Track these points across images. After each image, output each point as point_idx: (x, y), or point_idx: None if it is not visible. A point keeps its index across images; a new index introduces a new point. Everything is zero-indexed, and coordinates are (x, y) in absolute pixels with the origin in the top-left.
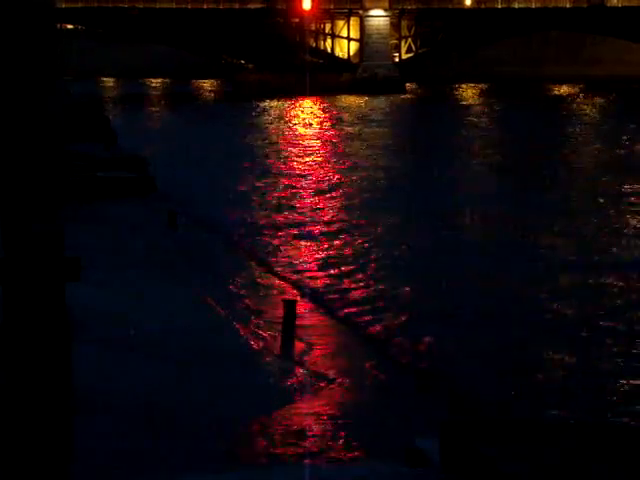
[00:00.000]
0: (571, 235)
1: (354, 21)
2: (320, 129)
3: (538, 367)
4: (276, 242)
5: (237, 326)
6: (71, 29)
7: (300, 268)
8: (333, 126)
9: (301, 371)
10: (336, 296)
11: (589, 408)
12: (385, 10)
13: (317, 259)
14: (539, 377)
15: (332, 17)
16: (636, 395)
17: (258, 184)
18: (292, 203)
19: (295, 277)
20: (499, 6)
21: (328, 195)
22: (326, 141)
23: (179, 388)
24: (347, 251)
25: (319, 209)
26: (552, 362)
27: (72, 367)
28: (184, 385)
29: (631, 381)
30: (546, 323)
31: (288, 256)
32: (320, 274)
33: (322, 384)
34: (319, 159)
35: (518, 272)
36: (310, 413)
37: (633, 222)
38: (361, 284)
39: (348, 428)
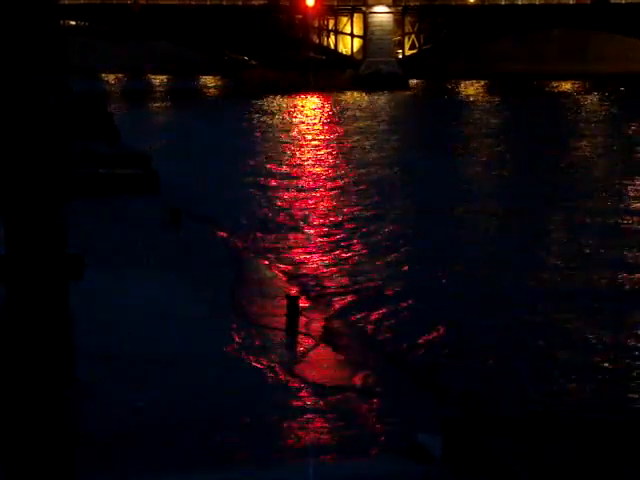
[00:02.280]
0: (573, 230)
1: (357, 17)
2: (323, 125)
3: (536, 365)
4: (278, 238)
5: (239, 322)
6: (74, 25)
7: (303, 265)
8: (336, 122)
9: (303, 366)
10: (338, 292)
11: (592, 406)
12: (388, 6)
13: (321, 256)
14: (536, 375)
15: (335, 13)
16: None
17: (261, 181)
18: (295, 199)
19: (297, 274)
20: (502, 3)
21: (332, 191)
22: (329, 137)
23: (179, 386)
24: (350, 248)
25: (323, 205)
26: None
27: (73, 363)
28: (183, 381)
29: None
30: (547, 319)
31: (290, 253)
32: (323, 271)
33: (323, 378)
34: (322, 155)
35: (522, 269)
36: (311, 409)
37: (634, 217)
38: (363, 280)
39: (350, 424)
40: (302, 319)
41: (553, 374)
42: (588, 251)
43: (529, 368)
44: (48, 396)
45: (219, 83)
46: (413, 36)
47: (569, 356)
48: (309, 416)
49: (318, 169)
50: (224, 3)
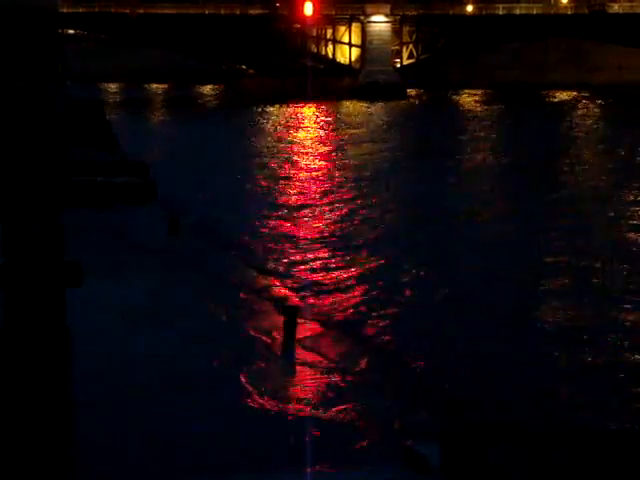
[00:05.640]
0: (572, 234)
1: (356, 27)
2: (321, 134)
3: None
4: (276, 246)
5: (238, 331)
6: (73, 34)
7: (301, 273)
8: (334, 131)
9: (300, 375)
10: (335, 300)
11: (589, 415)
12: (386, 16)
13: (319, 263)
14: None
15: (334, 23)
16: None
17: (259, 189)
18: (292, 207)
19: (296, 282)
20: (500, 12)
21: (329, 199)
22: (327, 146)
23: (180, 395)
24: (348, 254)
25: (320, 213)
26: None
27: (71, 370)
28: (183, 390)
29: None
30: (547, 323)
31: (289, 260)
32: (321, 279)
33: (322, 387)
34: (319, 164)
35: (522, 272)
36: (309, 418)
37: (630, 222)
38: (361, 289)
39: (349, 432)
40: (299, 328)
41: (550, 382)
42: (584, 252)
43: (527, 377)
44: (45, 403)
45: (217, 91)
46: (411, 45)
47: (566, 364)
48: (306, 425)
49: (315, 176)
50: (222, 12)
